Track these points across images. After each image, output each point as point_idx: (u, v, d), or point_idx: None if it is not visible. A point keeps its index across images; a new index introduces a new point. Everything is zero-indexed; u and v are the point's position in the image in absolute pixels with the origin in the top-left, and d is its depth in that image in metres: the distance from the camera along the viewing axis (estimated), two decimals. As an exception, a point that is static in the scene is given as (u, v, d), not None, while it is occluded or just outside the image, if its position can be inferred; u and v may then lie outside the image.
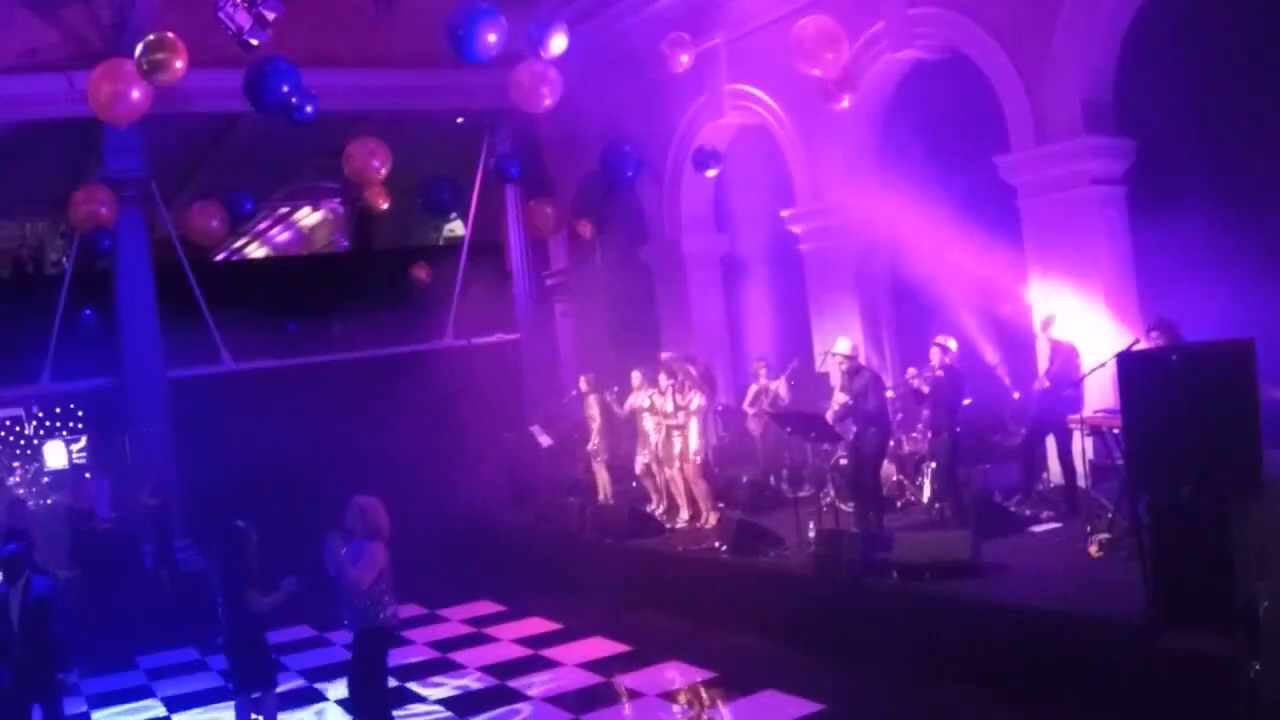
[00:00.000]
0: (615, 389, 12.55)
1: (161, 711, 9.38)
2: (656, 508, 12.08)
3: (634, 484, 12.80)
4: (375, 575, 6.83)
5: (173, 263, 15.62)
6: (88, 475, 16.74)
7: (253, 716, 7.37)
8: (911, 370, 10.25)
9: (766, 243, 14.46)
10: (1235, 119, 9.36)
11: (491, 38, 9.36)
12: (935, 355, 9.66)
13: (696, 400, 11.09)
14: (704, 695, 8.34)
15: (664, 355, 12.01)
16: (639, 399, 11.94)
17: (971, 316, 11.21)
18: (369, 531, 6.94)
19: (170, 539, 13.28)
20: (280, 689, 7.65)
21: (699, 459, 11.20)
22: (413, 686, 9.27)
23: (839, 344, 9.96)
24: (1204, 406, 5.99)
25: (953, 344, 9.76)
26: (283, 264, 24.79)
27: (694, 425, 11.12)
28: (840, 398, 9.84)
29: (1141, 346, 7.80)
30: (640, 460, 12.09)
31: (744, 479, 12.11)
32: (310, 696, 9.34)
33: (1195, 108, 9.46)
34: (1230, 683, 5.65)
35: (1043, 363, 10.25)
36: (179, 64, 9.59)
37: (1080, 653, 6.67)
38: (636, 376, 12.12)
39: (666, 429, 11.43)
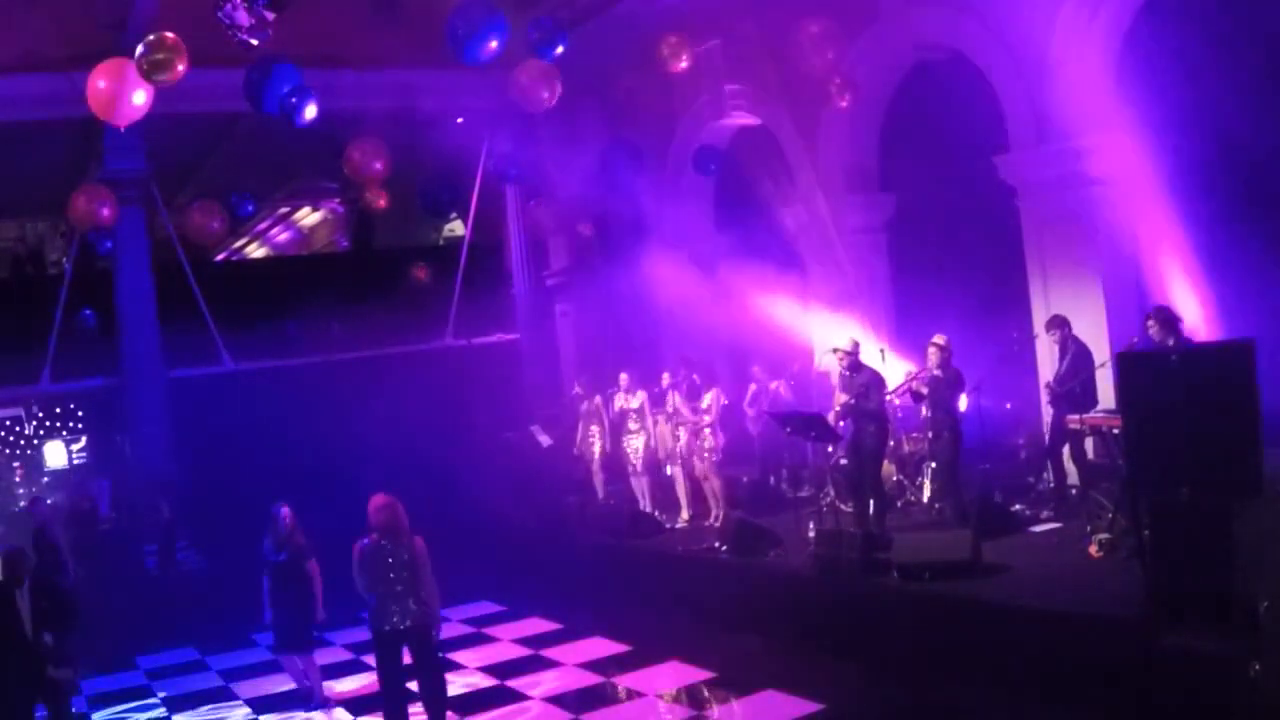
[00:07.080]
0: (612, 390, 12.55)
1: (161, 711, 9.39)
2: (644, 507, 12.09)
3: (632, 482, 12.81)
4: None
5: (173, 263, 15.62)
6: (72, 477, 16.77)
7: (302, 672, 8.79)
8: (910, 370, 10.23)
9: None
10: (1235, 118, 9.36)
11: (492, 40, 9.34)
12: (933, 355, 9.64)
13: (708, 399, 11.10)
14: (704, 695, 8.34)
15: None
16: (633, 400, 11.94)
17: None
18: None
19: (174, 543, 13.31)
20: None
21: (715, 457, 11.18)
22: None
23: (841, 339, 9.92)
24: (1204, 406, 5.99)
25: (940, 339, 9.70)
26: (283, 264, 24.81)
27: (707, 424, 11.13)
28: (841, 397, 9.76)
29: (1153, 332, 7.80)
30: (631, 463, 12.11)
31: (744, 479, 12.10)
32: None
33: (1195, 107, 9.46)
34: (1230, 683, 5.65)
35: (1043, 364, 10.25)
36: (179, 64, 9.57)
37: (1080, 653, 6.67)
38: (624, 379, 12.13)
39: (672, 428, 11.44)
